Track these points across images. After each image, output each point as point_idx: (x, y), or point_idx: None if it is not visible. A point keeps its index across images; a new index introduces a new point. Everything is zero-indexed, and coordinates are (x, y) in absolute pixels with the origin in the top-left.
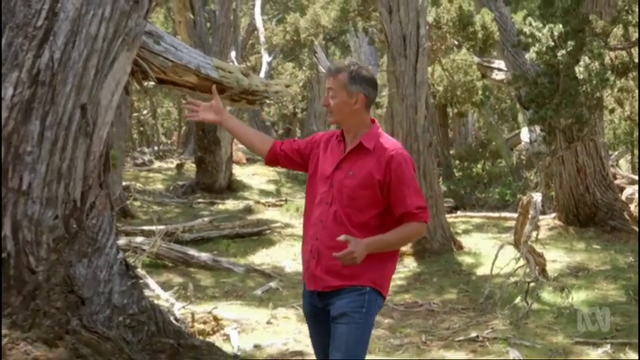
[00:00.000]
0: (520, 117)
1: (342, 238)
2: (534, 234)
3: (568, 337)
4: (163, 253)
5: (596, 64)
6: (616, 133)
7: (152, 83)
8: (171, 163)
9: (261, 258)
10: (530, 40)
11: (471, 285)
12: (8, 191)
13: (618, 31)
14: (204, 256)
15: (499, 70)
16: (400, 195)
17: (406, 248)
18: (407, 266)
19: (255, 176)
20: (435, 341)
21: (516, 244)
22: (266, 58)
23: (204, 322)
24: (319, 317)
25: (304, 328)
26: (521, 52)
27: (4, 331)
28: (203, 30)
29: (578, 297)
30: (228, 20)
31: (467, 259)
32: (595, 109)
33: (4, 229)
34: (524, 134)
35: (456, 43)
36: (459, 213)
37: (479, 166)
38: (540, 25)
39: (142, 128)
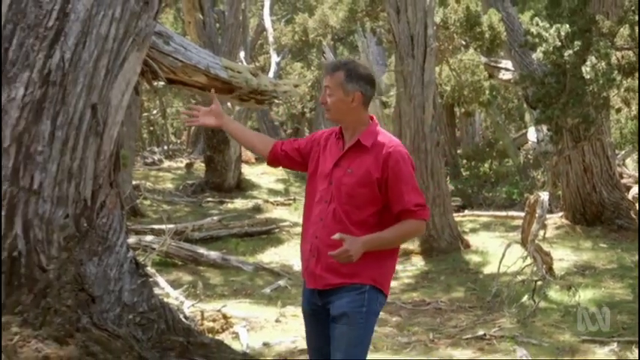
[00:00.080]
0: (527, 116)
1: (336, 236)
2: (541, 233)
3: (575, 336)
4: (173, 251)
5: (603, 64)
6: (622, 132)
7: (162, 83)
8: (181, 162)
9: (270, 256)
10: (537, 40)
11: (479, 283)
12: (19, 190)
13: (625, 31)
14: (213, 254)
15: (506, 70)
16: (398, 192)
17: (414, 247)
18: (414, 265)
19: (264, 175)
20: (442, 339)
21: (523, 243)
22: (275, 58)
23: (214, 320)
24: (319, 316)
25: None
26: (528, 52)
27: (15, 329)
28: (212, 30)
29: (584, 295)
30: (237, 21)
31: (474, 258)
32: (602, 109)
33: (16, 227)
34: (531, 134)
35: (464, 43)
36: (466, 212)
37: (486, 165)
38: (547, 25)
39: (151, 128)
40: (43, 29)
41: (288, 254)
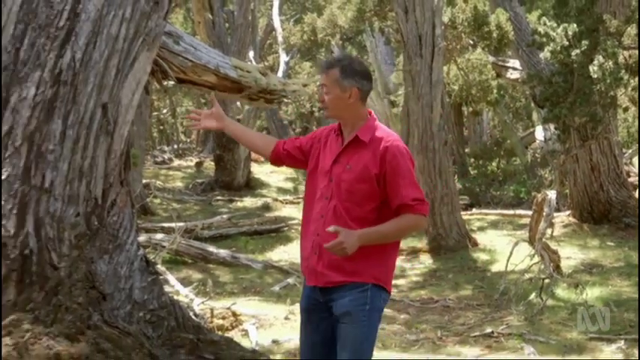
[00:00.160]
0: (534, 115)
1: (331, 229)
2: (549, 231)
3: (582, 333)
4: (183, 249)
5: (610, 63)
6: (630, 131)
7: (172, 82)
8: (191, 161)
9: (279, 254)
10: (544, 39)
11: (486, 281)
12: (31, 189)
13: (632, 30)
14: (223, 252)
15: (514, 69)
16: (395, 187)
17: (422, 245)
18: (423, 263)
19: (273, 174)
20: (450, 337)
21: (531, 241)
22: (284, 57)
23: (223, 318)
24: (318, 312)
25: None
26: (535, 51)
27: (26, 327)
28: (222, 30)
29: (592, 293)
30: (247, 20)
31: (482, 256)
32: (609, 108)
33: (27, 225)
34: (539, 132)
35: (471, 42)
36: (474, 210)
37: (494, 164)
38: (555, 24)
39: (161, 127)
40: (54, 29)
41: (297, 252)
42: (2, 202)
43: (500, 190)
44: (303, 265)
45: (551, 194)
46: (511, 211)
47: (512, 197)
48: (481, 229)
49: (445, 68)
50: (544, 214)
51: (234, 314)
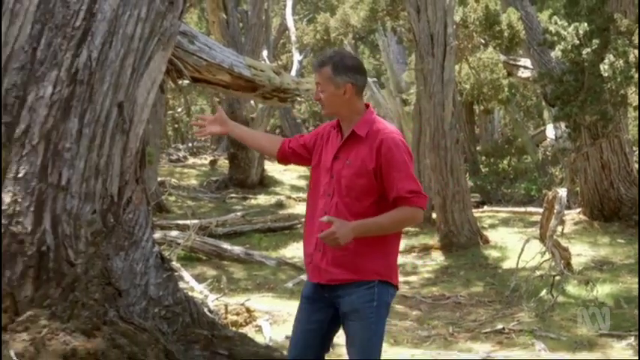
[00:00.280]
0: (545, 114)
1: (324, 219)
2: (559, 228)
3: (592, 330)
4: (197, 246)
5: (621, 61)
6: None
7: (186, 81)
8: (205, 159)
9: (292, 251)
10: (555, 38)
11: (497, 278)
12: (48, 186)
13: None
14: (236, 249)
15: (525, 68)
16: (391, 179)
17: (434, 242)
18: (434, 259)
19: (287, 172)
20: (461, 333)
21: (542, 239)
22: (297, 57)
23: (237, 314)
24: (320, 303)
25: None
26: (546, 50)
27: (43, 322)
28: (236, 30)
29: (602, 290)
30: (260, 20)
31: (493, 253)
32: (619, 106)
33: (44, 223)
34: (550, 131)
35: (483, 41)
36: (485, 208)
37: (505, 162)
38: (565, 23)
39: (176, 125)
40: (71, 29)
41: None
42: (20, 200)
43: (512, 187)
44: (307, 262)
45: (562, 192)
46: (522, 209)
47: (523, 195)
48: (492, 226)
49: (457, 67)
50: (555, 211)
51: (248, 310)
